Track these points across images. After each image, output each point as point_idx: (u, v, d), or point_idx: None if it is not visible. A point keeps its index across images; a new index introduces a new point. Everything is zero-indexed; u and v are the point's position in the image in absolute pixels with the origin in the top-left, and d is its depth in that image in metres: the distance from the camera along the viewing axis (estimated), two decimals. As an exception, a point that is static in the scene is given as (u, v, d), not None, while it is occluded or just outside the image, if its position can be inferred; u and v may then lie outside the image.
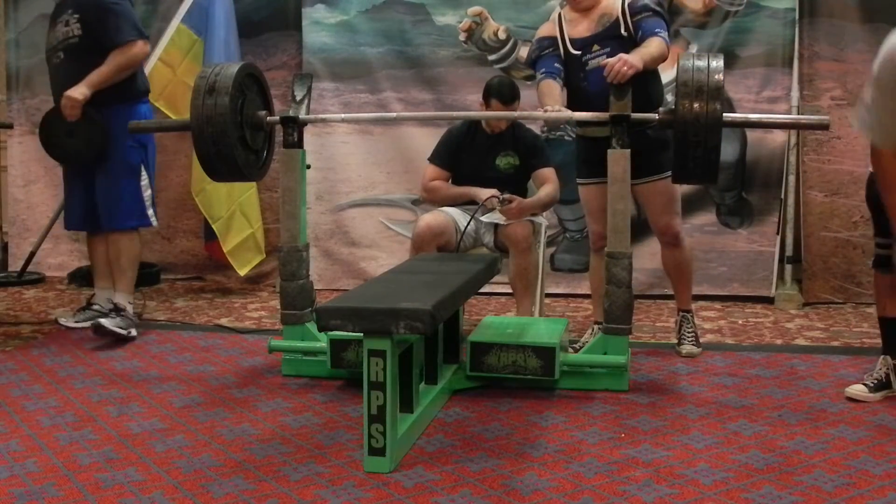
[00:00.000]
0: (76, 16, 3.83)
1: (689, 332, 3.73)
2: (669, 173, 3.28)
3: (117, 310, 3.91)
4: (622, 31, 3.46)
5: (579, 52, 3.52)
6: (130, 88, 3.92)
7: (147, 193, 3.99)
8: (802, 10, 4.76)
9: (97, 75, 3.79)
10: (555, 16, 3.68)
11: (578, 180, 3.74)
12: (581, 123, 3.61)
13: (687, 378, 3.35)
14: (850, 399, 3.03)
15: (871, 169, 3.02)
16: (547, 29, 3.67)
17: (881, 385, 3.04)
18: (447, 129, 4.18)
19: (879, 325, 3.15)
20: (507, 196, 3.80)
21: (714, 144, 2.95)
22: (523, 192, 4.00)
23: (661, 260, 3.80)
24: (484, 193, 3.84)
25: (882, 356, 3.09)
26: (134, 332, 3.91)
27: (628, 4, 3.46)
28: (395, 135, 5.17)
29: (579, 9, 3.55)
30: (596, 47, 3.49)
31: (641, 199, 3.73)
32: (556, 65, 3.54)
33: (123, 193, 3.94)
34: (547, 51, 3.59)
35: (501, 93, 3.91)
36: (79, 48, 3.84)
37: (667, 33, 3.40)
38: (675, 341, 3.77)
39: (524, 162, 3.99)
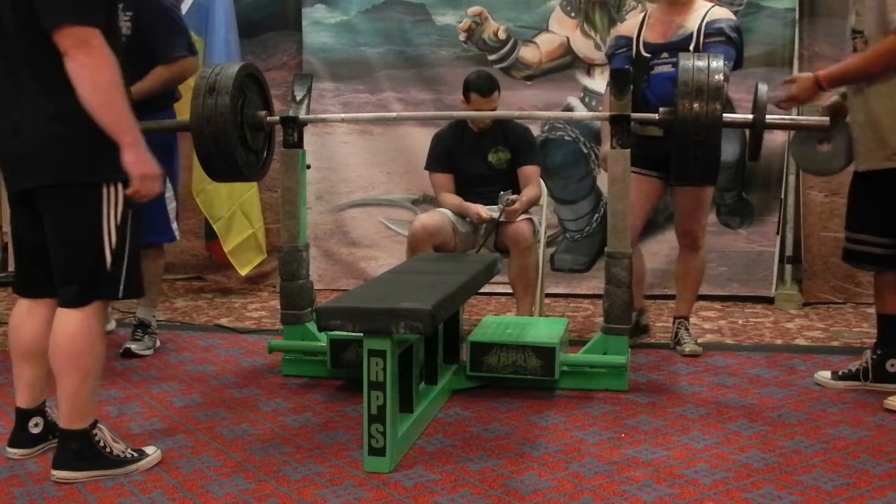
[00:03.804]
0: (128, 13, 3.51)
1: (686, 336, 3.75)
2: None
3: (143, 325, 3.79)
4: (691, 47, 3.51)
5: (649, 56, 3.61)
6: (156, 97, 3.61)
7: (171, 206, 3.78)
8: (802, 10, 4.76)
9: (137, 91, 3.41)
10: (638, 17, 3.80)
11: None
12: (639, 122, 3.58)
13: (687, 378, 3.35)
14: (816, 383, 3.20)
15: (855, 168, 3.10)
16: (627, 27, 3.80)
17: (849, 376, 3.14)
18: (435, 134, 4.18)
19: (878, 320, 3.20)
20: (512, 197, 3.81)
21: (714, 144, 2.96)
22: (518, 186, 4.00)
23: (676, 263, 3.88)
24: (472, 209, 3.89)
25: (866, 350, 3.18)
26: (158, 343, 3.86)
27: (707, 23, 3.54)
28: (395, 135, 5.17)
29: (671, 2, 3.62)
30: (664, 55, 3.56)
31: (674, 200, 3.79)
32: (626, 66, 3.59)
33: (148, 207, 3.81)
34: (621, 50, 3.70)
35: (480, 86, 3.92)
36: (125, 50, 3.61)
37: (730, 63, 3.44)
38: (672, 345, 3.77)
39: (516, 155, 4.00)
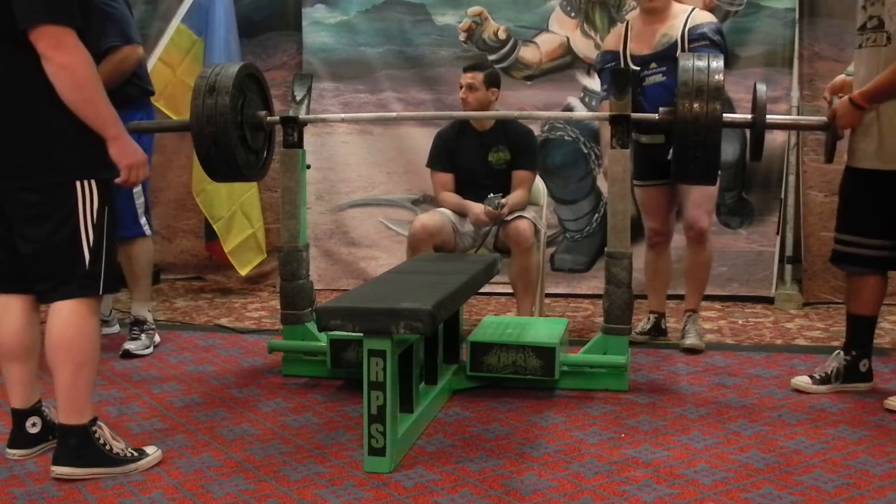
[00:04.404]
0: None
1: (692, 329, 3.79)
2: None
3: (138, 323, 3.79)
4: (678, 53, 3.54)
5: (638, 68, 3.65)
6: (119, 94, 3.44)
7: (139, 201, 3.76)
8: (802, 10, 4.75)
9: None
10: (621, 28, 3.84)
11: (635, 181, 3.84)
12: (640, 130, 3.67)
13: (687, 378, 3.35)
14: (795, 389, 3.14)
15: (847, 162, 3.10)
16: (612, 42, 3.86)
17: (826, 379, 3.13)
18: (437, 133, 4.19)
19: (850, 321, 3.20)
20: (501, 201, 3.81)
21: (714, 144, 2.96)
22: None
23: (684, 259, 3.93)
24: (475, 209, 3.88)
25: (837, 352, 3.18)
26: (157, 339, 3.87)
27: (689, 29, 3.60)
28: (395, 135, 5.17)
29: (648, 7, 3.67)
30: (653, 65, 3.64)
31: (679, 194, 3.83)
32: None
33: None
34: (609, 65, 3.75)
35: (464, 68, 4.02)
36: None
37: None
38: (679, 338, 3.82)
39: (514, 157, 4.00)
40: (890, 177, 2.94)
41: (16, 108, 2.28)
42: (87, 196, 2.33)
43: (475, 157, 4.02)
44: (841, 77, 3.24)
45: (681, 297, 4.69)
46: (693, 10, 3.70)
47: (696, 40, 3.57)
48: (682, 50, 3.58)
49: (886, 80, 2.84)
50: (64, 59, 2.21)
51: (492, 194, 3.82)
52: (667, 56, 3.56)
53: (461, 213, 3.97)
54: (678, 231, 4.04)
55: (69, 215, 2.32)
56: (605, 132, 3.58)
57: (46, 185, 2.31)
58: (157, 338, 3.87)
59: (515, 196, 3.92)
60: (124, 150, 2.34)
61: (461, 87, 3.97)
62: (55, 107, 2.26)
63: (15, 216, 2.35)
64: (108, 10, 3.57)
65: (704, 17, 3.68)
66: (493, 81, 3.99)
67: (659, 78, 3.58)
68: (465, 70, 3.99)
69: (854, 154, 3.04)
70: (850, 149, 3.07)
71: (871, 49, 2.94)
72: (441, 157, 4.09)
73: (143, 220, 3.79)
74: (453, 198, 4.01)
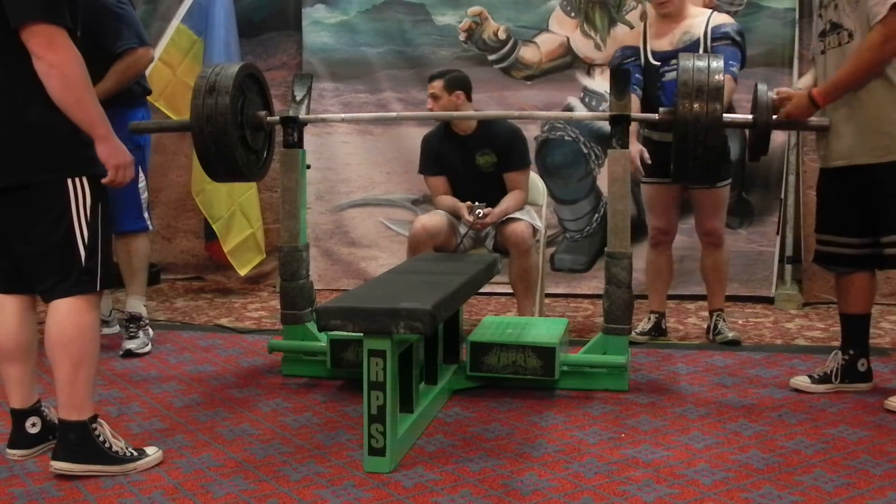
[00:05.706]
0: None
1: (725, 327, 3.91)
2: (728, 181, 3.82)
3: (133, 319, 3.80)
4: (700, 51, 3.62)
5: (658, 64, 3.71)
6: (123, 93, 3.65)
7: (143, 196, 3.83)
8: (802, 10, 4.76)
9: (99, 91, 3.38)
10: (639, 27, 3.92)
11: (642, 178, 3.90)
12: (650, 126, 3.72)
13: (687, 378, 3.35)
14: (795, 389, 3.15)
15: (819, 164, 3.13)
16: (630, 38, 3.94)
17: (825, 378, 3.13)
18: (423, 137, 4.17)
19: (844, 321, 3.19)
20: (485, 211, 3.80)
21: (714, 144, 2.96)
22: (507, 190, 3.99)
23: (700, 262, 4.00)
24: (463, 210, 3.87)
25: (835, 352, 3.18)
26: (150, 332, 3.88)
27: (712, 28, 3.67)
28: (395, 135, 5.17)
29: (662, 13, 3.73)
30: (674, 62, 3.64)
31: (693, 201, 3.89)
32: (637, 75, 3.75)
33: (122, 196, 3.84)
34: (629, 60, 3.81)
35: (428, 78, 4.02)
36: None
37: (738, 66, 3.64)
38: (711, 337, 3.92)
39: (502, 160, 3.96)
40: (864, 171, 2.93)
41: (5, 107, 2.28)
42: (80, 194, 2.34)
43: (463, 162, 3.98)
44: (787, 90, 3.16)
45: (681, 298, 4.72)
46: (712, 12, 3.79)
47: (720, 39, 3.64)
48: (705, 48, 3.63)
49: (843, 78, 2.87)
50: (55, 58, 2.22)
51: (476, 203, 3.82)
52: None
53: (457, 215, 3.96)
54: (682, 232, 4.04)
55: (62, 214, 2.32)
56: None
57: (37, 184, 2.31)
58: (150, 331, 3.88)
59: (508, 199, 3.90)
60: (112, 150, 2.35)
61: None
62: (45, 105, 2.26)
63: (8, 217, 2.36)
64: (121, 13, 3.63)
65: (726, 19, 3.77)
66: (455, 85, 3.91)
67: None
68: (428, 81, 3.98)
69: (827, 155, 3.04)
70: (822, 152, 3.07)
71: (834, 51, 2.98)
72: (430, 161, 4.07)
73: (146, 215, 3.84)
74: (447, 200, 3.99)
